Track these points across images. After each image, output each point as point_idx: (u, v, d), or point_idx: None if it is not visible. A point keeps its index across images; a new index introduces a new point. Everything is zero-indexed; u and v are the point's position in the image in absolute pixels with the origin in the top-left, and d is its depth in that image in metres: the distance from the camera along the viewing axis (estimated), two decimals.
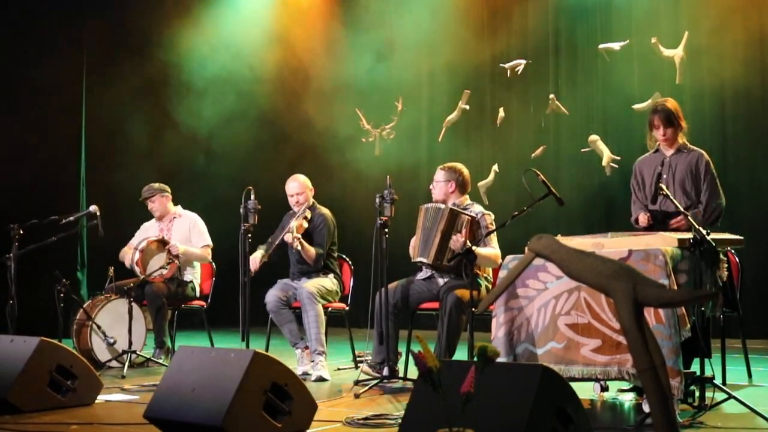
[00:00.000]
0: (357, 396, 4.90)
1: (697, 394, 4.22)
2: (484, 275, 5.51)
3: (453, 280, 5.40)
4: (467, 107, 9.53)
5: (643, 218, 4.92)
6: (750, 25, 8.06)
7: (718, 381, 4.31)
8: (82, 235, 9.40)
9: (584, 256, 2.85)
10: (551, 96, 9.00)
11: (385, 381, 5.24)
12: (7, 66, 9.03)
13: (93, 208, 6.53)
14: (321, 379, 5.56)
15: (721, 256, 4.31)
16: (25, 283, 6.54)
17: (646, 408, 4.01)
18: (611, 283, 2.71)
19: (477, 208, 5.51)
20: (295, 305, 5.98)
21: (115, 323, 6.43)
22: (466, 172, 5.65)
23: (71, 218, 6.52)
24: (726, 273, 4.40)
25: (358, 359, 6.14)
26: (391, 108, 9.95)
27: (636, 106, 8.38)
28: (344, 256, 6.45)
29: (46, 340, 4.57)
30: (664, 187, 4.68)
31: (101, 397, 4.78)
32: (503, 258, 4.70)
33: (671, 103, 4.95)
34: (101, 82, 9.74)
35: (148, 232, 6.96)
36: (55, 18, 9.20)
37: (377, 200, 5.28)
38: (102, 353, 6.35)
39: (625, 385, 4.87)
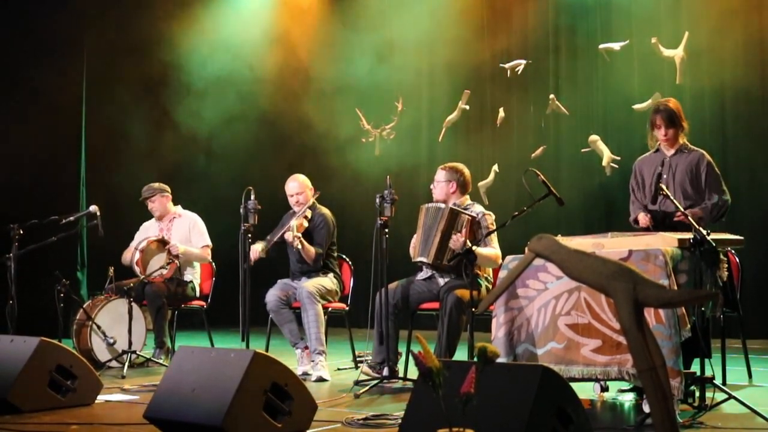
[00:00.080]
0: (357, 396, 4.90)
1: (697, 394, 4.22)
2: (485, 275, 5.51)
3: (453, 280, 5.40)
4: (467, 107, 9.53)
5: (643, 219, 4.92)
6: (750, 26, 8.06)
7: (718, 381, 4.31)
8: (82, 235, 9.40)
9: (584, 257, 2.85)
10: (551, 96, 9.00)
11: (385, 381, 5.24)
12: (7, 66, 9.03)
13: (93, 208, 6.53)
14: (321, 380, 5.56)
15: (721, 256, 4.31)
16: (25, 283, 6.54)
17: (646, 408, 4.01)
18: (611, 284, 2.71)
19: (478, 209, 5.51)
20: (295, 305, 5.98)
21: (115, 323, 6.43)
22: (467, 172, 5.65)
23: (71, 218, 6.52)
24: (726, 273, 4.39)
25: (358, 359, 6.14)
26: (391, 108, 9.95)
27: (636, 107, 8.38)
28: (344, 256, 6.45)
29: (46, 340, 4.57)
30: (664, 187, 4.68)
31: (101, 397, 4.78)
32: (503, 258, 4.70)
33: (673, 104, 4.95)
34: (101, 82, 9.75)
35: (147, 232, 6.96)
36: (55, 18, 9.19)
37: (377, 200, 5.28)
38: (102, 353, 6.35)
39: (625, 386, 4.87)
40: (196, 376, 3.80)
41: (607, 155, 8.52)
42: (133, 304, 6.07)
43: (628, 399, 4.78)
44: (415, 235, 5.51)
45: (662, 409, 2.59)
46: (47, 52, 9.13)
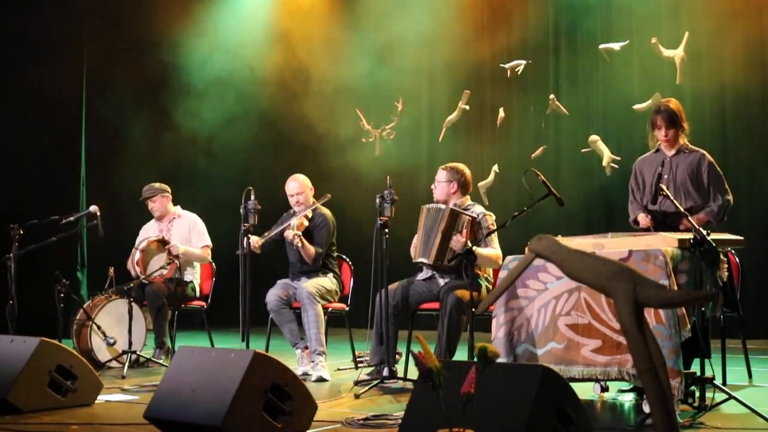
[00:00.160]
0: (357, 396, 4.90)
1: (697, 394, 4.22)
2: (485, 276, 5.51)
3: (453, 281, 5.40)
4: (467, 107, 9.53)
5: (643, 219, 4.91)
6: (750, 26, 8.06)
7: (718, 381, 4.31)
8: (82, 235, 9.40)
9: (584, 257, 2.85)
10: (551, 96, 9.00)
11: (385, 381, 5.24)
12: (7, 66, 9.03)
13: (93, 208, 6.53)
14: (321, 380, 5.56)
15: (722, 256, 4.31)
16: (25, 283, 6.54)
17: (646, 408, 4.01)
18: (611, 284, 2.71)
19: (478, 209, 5.51)
20: (295, 305, 5.98)
21: (115, 323, 6.43)
22: (468, 172, 5.65)
23: (71, 218, 6.52)
24: (726, 273, 4.40)
25: (358, 359, 6.14)
26: (391, 108, 9.95)
27: (636, 107, 8.38)
28: (344, 256, 6.45)
29: (46, 340, 4.57)
30: (664, 187, 4.68)
31: (101, 398, 4.78)
32: (504, 259, 4.70)
33: (674, 104, 4.95)
34: (101, 82, 9.75)
35: (147, 232, 6.96)
36: (55, 18, 9.19)
37: (377, 200, 5.28)
38: (102, 353, 6.35)
39: (626, 386, 4.87)
40: (196, 376, 3.80)
41: (607, 155, 8.52)
42: (133, 304, 6.07)
43: (628, 399, 4.78)
44: (415, 236, 5.51)
45: (662, 409, 2.59)
46: (47, 52, 9.13)
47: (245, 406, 3.61)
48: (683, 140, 4.99)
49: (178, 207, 7.07)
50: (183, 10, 9.86)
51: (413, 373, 4.80)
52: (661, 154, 5.02)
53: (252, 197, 5.56)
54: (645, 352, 2.61)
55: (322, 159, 9.88)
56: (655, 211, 4.93)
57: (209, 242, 6.90)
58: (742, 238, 4.63)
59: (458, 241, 5.23)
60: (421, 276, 5.62)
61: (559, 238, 3.28)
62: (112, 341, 6.39)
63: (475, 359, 2.84)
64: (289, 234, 5.90)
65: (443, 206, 5.41)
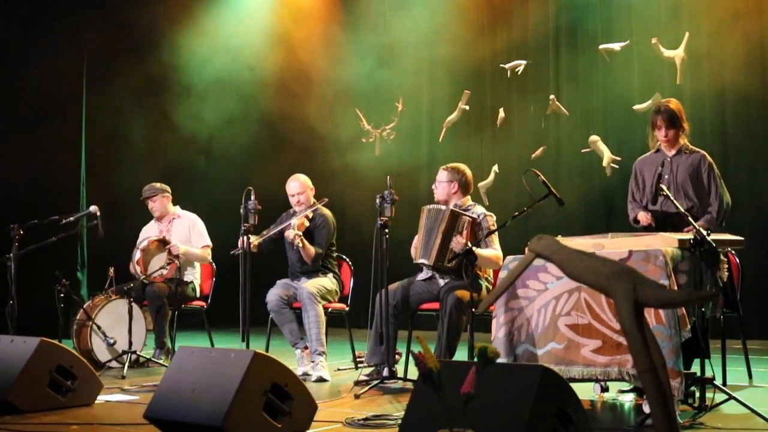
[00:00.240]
0: (357, 396, 4.90)
1: (697, 394, 4.22)
2: (485, 276, 5.51)
3: (453, 281, 5.40)
4: (467, 108, 9.53)
5: (644, 217, 4.92)
6: (750, 27, 8.05)
7: (718, 382, 4.31)
8: (82, 235, 9.40)
9: (584, 257, 2.85)
10: (551, 97, 9.00)
11: (385, 381, 5.23)
12: (7, 66, 9.03)
13: (93, 208, 6.53)
14: (321, 380, 5.56)
15: (722, 256, 4.31)
16: (26, 283, 6.54)
17: (646, 409, 4.01)
18: (611, 284, 2.70)
19: (479, 210, 5.51)
20: (295, 305, 5.98)
21: (115, 323, 6.43)
22: (468, 172, 5.65)
23: (71, 218, 6.52)
24: (726, 273, 4.40)
25: (358, 360, 6.14)
26: (391, 108, 9.95)
27: (636, 107, 8.37)
28: (344, 257, 6.45)
29: (46, 340, 4.57)
30: (664, 187, 4.68)
31: (101, 398, 4.78)
32: (504, 259, 4.70)
33: (674, 104, 4.95)
34: (101, 83, 9.75)
35: (148, 233, 6.96)
36: (55, 18, 9.20)
37: (377, 201, 5.28)
38: (102, 353, 6.35)
39: (626, 386, 4.87)
40: (196, 376, 3.80)
41: (607, 156, 8.52)
42: (133, 304, 6.07)
43: (628, 399, 4.78)
44: (416, 237, 5.50)
45: (662, 409, 2.59)
46: (47, 52, 9.13)
47: (245, 406, 3.61)
48: (683, 141, 4.99)
49: (178, 207, 7.07)
50: (183, 10, 9.86)
51: (413, 373, 4.80)
52: (661, 155, 5.02)
53: (252, 197, 5.57)
54: (645, 352, 2.61)
55: (323, 159, 9.88)
56: (656, 211, 4.93)
57: (209, 242, 6.90)
58: (742, 238, 4.62)
59: (458, 242, 5.23)
60: (421, 276, 5.62)
61: (560, 239, 3.28)
62: (112, 341, 6.39)
63: (475, 359, 2.84)
64: (290, 234, 5.91)
65: (443, 207, 5.41)
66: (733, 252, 5.31)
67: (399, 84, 9.84)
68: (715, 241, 4.13)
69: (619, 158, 8.42)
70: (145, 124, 9.82)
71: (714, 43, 8.14)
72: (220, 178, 10.19)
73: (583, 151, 8.74)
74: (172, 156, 9.88)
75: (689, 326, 4.00)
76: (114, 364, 6.27)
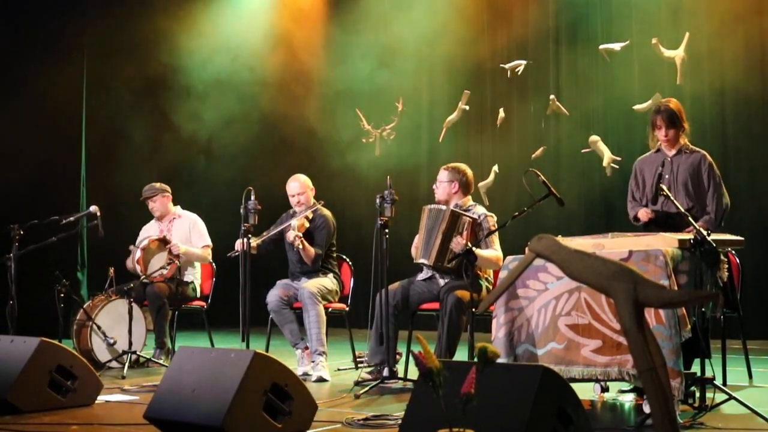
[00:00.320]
0: (357, 396, 4.90)
1: (697, 394, 4.22)
2: (485, 276, 5.51)
3: (453, 281, 5.40)
4: (467, 108, 9.53)
5: (644, 214, 4.92)
6: (750, 27, 8.06)
7: (718, 382, 4.31)
8: (83, 235, 9.40)
9: (585, 257, 2.85)
10: (551, 97, 9.00)
11: (386, 381, 5.23)
12: (7, 66, 9.03)
13: (93, 208, 6.53)
14: (321, 380, 5.56)
15: (722, 256, 4.31)
16: (26, 283, 6.54)
17: (646, 409, 4.01)
18: (612, 284, 2.70)
19: (480, 210, 5.51)
20: (296, 306, 5.98)
21: (115, 323, 6.42)
22: (469, 172, 5.65)
23: (71, 218, 6.52)
24: (726, 273, 4.39)
25: (358, 360, 6.14)
26: (391, 108, 9.95)
27: (636, 107, 8.38)
28: (344, 257, 6.45)
29: (46, 340, 4.57)
30: (664, 187, 4.68)
31: (101, 398, 4.77)
32: (504, 259, 4.69)
33: (674, 104, 4.95)
34: (101, 83, 9.75)
35: (148, 232, 6.96)
36: (55, 18, 9.20)
37: (377, 201, 5.28)
38: (102, 353, 6.35)
39: (626, 386, 4.87)
40: (197, 376, 3.80)
41: (607, 156, 8.52)
42: (133, 304, 6.07)
43: (628, 399, 4.78)
44: (417, 236, 5.50)
45: (662, 409, 2.59)
46: (47, 52, 9.13)
47: (245, 406, 3.61)
48: (684, 140, 4.99)
49: (179, 207, 7.07)
50: (183, 11, 9.87)
51: (413, 373, 4.81)
52: (661, 154, 5.02)
53: (252, 197, 5.57)
54: (645, 352, 2.61)
55: (323, 159, 9.88)
56: (656, 211, 4.93)
57: (210, 242, 6.90)
58: (742, 238, 4.62)
59: (458, 242, 5.22)
60: (421, 276, 5.62)
61: (560, 239, 3.28)
62: (112, 341, 6.39)
63: (475, 359, 2.84)
64: (290, 235, 5.91)
65: (444, 207, 5.40)
66: (733, 252, 5.31)
67: (399, 84, 9.84)
68: (715, 241, 4.13)
69: (619, 158, 8.43)
70: (145, 124, 9.82)
71: (714, 43, 8.14)
72: (220, 178, 10.19)
73: (583, 151, 8.74)
74: (172, 156, 9.88)
75: (689, 326, 4.00)
76: (114, 364, 6.27)
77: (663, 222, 4.86)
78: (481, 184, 9.10)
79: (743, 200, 7.54)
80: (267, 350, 5.85)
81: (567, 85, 9.10)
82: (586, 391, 4.80)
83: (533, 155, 8.95)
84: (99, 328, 6.36)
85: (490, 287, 5.48)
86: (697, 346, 4.17)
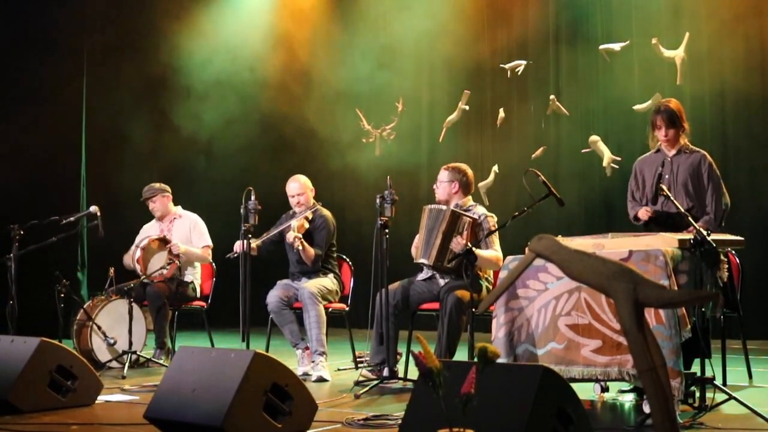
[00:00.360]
0: (357, 396, 4.90)
1: (697, 394, 4.22)
2: (485, 276, 5.51)
3: (453, 281, 5.40)
4: (467, 108, 9.53)
5: (644, 213, 4.92)
6: (750, 28, 8.06)
7: (718, 382, 4.31)
8: (83, 235, 9.40)
9: (585, 257, 2.85)
10: (552, 97, 9.00)
11: (386, 381, 5.24)
12: (7, 66, 9.03)
13: (93, 208, 6.53)
14: (321, 380, 5.56)
15: (722, 256, 4.31)
16: (26, 283, 6.54)
17: (646, 409, 4.01)
18: (612, 284, 2.71)
19: (480, 210, 5.51)
20: (296, 306, 5.98)
21: (115, 323, 6.42)
22: (470, 172, 5.65)
23: (71, 218, 6.52)
24: (726, 274, 4.40)
25: (358, 360, 6.14)
26: (391, 108, 9.95)
27: (636, 107, 8.38)
28: (344, 257, 6.45)
29: (46, 340, 4.57)
30: (664, 187, 4.68)
31: (101, 398, 4.77)
32: (504, 260, 4.70)
33: (674, 104, 4.95)
34: (101, 83, 9.74)
35: (148, 232, 6.96)
36: (55, 18, 9.19)
37: (378, 201, 5.28)
38: (102, 353, 6.35)
39: (626, 386, 4.87)
40: (197, 376, 3.80)
41: (607, 156, 8.52)
42: (133, 304, 6.07)
43: (628, 399, 4.78)
44: (417, 236, 5.50)
45: (662, 409, 2.59)
46: (47, 52, 9.13)
47: (245, 406, 3.61)
48: (684, 140, 4.99)
49: (180, 207, 7.07)
50: (183, 11, 9.86)
51: (413, 373, 4.81)
52: (661, 155, 5.02)
53: (252, 197, 5.56)
54: (645, 352, 2.61)
55: (323, 160, 9.88)
56: (656, 211, 4.93)
57: (210, 242, 6.90)
58: (742, 238, 4.62)
59: (458, 242, 5.22)
60: (421, 276, 5.62)
61: (560, 239, 3.28)
62: (112, 341, 6.39)
63: (475, 359, 2.84)
64: (289, 236, 5.91)
65: (444, 207, 5.41)
66: (733, 252, 5.31)
67: (399, 84, 9.84)
68: (715, 241, 4.13)
69: (619, 158, 8.43)
70: (145, 124, 9.81)
71: (714, 43, 8.14)
72: (220, 178, 10.18)
73: (583, 151, 8.74)
74: (172, 156, 9.88)
75: (689, 326, 4.00)
76: (114, 364, 6.27)
77: (663, 222, 4.86)
78: (481, 184, 9.10)
79: (743, 200, 7.54)
80: (267, 350, 5.85)
81: (567, 85, 9.10)
82: (586, 391, 4.80)
83: (533, 155, 8.95)
84: (99, 328, 6.36)
85: (490, 287, 5.48)
86: (697, 346, 4.17)
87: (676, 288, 3.96)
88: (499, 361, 2.97)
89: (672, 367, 3.82)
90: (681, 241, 4.14)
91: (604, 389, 4.92)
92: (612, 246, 4.23)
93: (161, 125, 9.84)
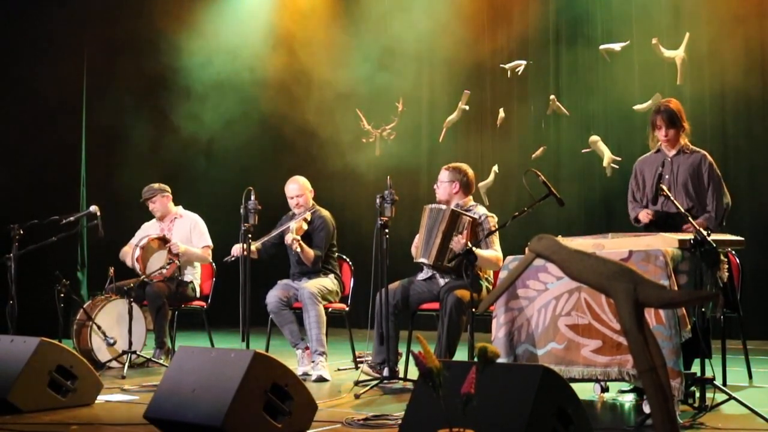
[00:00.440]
0: (357, 396, 4.90)
1: (697, 394, 4.22)
2: (485, 276, 5.50)
3: (453, 281, 5.40)
4: (467, 108, 9.53)
5: (644, 215, 4.92)
6: (750, 28, 8.06)
7: (718, 382, 4.31)
8: (82, 235, 9.40)
9: (585, 257, 2.85)
10: (552, 97, 9.00)
11: (386, 381, 5.24)
12: (6, 66, 9.03)
13: (93, 208, 6.53)
14: (321, 380, 5.56)
15: (722, 256, 4.31)
16: (26, 283, 6.54)
17: (646, 409, 4.01)
18: (612, 284, 2.70)
19: (481, 210, 5.51)
20: (295, 306, 5.98)
21: (115, 323, 6.42)
22: (471, 172, 5.65)
23: (71, 218, 6.51)
24: (726, 274, 4.40)
25: (358, 360, 6.14)
26: (391, 108, 9.95)
27: (637, 107, 8.38)
28: (344, 257, 6.45)
29: (46, 340, 4.57)
30: (665, 187, 4.68)
31: (101, 398, 4.78)
32: (504, 260, 4.70)
33: (674, 104, 4.96)
34: (101, 83, 9.74)
35: (148, 231, 6.96)
36: (55, 18, 9.19)
37: (378, 201, 5.28)
38: (102, 353, 6.35)
39: (626, 386, 4.87)
40: (197, 376, 3.80)
41: (607, 156, 8.52)
42: (133, 304, 6.07)
43: (628, 399, 4.78)
44: (417, 236, 5.50)
45: (662, 409, 2.59)
46: (47, 52, 9.13)
47: (245, 406, 3.61)
48: (684, 140, 4.99)
49: (180, 207, 7.07)
50: (183, 11, 9.85)
51: (413, 373, 4.81)
52: (661, 155, 5.02)
53: (252, 197, 5.56)
54: (645, 352, 2.61)
55: (323, 160, 9.88)
56: (656, 211, 4.93)
57: (210, 243, 6.90)
58: (742, 238, 4.62)
59: (458, 242, 5.22)
60: (421, 276, 5.62)
61: (560, 239, 3.28)
62: (112, 341, 6.39)
63: (475, 359, 2.84)
64: (288, 238, 5.91)
65: (444, 207, 5.41)
66: (734, 252, 5.31)
67: (399, 84, 9.83)
68: (715, 241, 4.13)
69: (619, 158, 8.43)
70: (145, 124, 9.81)
71: (714, 43, 8.14)
72: (220, 178, 10.19)
73: (583, 151, 8.74)
74: (172, 156, 9.87)
75: (689, 326, 4.00)
76: (114, 364, 6.27)
77: (663, 222, 4.86)
78: (481, 184, 9.10)
79: (743, 200, 7.54)
80: (267, 350, 5.85)
81: (567, 85, 9.10)
82: (586, 391, 4.81)
83: (533, 155, 8.95)
84: (99, 328, 6.35)
85: (490, 287, 5.48)
86: (697, 346, 4.17)
87: (676, 288, 3.95)
88: (499, 361, 2.97)
89: (672, 367, 3.82)
90: (681, 242, 4.14)
91: (604, 389, 4.92)
92: (612, 246, 4.23)
93: (161, 125, 9.84)
